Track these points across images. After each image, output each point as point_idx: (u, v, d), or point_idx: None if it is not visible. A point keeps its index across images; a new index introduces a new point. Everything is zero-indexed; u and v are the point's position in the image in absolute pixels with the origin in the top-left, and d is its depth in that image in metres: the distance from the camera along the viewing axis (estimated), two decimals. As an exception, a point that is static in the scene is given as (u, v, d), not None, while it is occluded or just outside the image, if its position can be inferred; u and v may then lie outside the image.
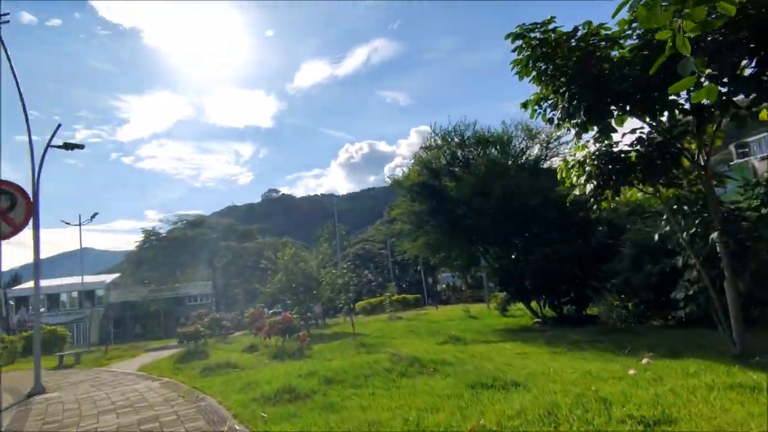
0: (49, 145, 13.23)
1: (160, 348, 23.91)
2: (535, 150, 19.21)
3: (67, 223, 32.44)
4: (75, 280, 42.90)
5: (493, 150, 19.31)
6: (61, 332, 31.20)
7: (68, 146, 13.41)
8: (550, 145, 18.80)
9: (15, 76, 12.37)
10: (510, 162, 19.21)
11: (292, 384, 7.62)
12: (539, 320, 18.63)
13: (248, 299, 76.84)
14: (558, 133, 18.64)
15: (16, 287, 60.70)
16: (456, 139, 19.66)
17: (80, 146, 13.63)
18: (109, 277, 57.71)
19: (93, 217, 32.43)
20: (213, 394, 8.40)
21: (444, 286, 76.76)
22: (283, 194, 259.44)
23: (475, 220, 19.61)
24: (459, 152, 19.79)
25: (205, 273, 49.72)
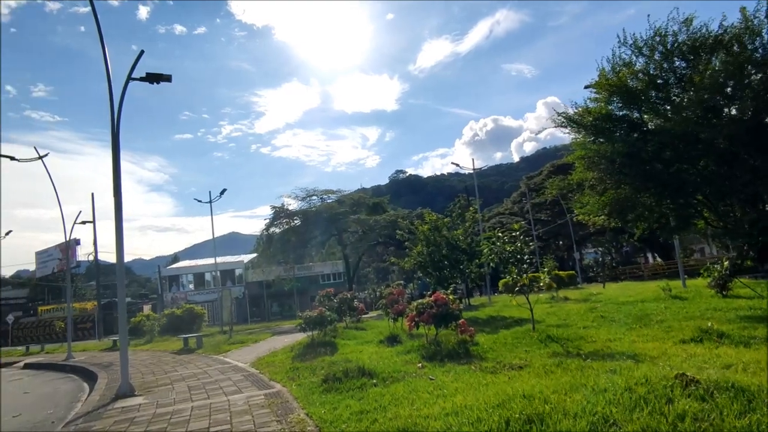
0: (129, 78, 10.40)
1: (290, 330, 21.36)
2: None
3: (198, 201, 31.93)
4: (220, 259, 43.43)
5: (722, 55, 13.09)
6: (198, 311, 30.76)
7: (152, 77, 10.45)
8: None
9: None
10: (754, 70, 12.83)
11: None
12: (802, 304, 12.36)
13: (380, 277, 75.42)
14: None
15: (170, 267, 65.00)
16: (661, 49, 13.72)
17: (166, 78, 10.62)
18: (247, 257, 59.01)
19: (222, 193, 31.60)
20: (337, 445, 4.42)
21: (591, 261, 69.21)
22: (409, 175, 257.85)
23: (693, 164, 13.69)
24: (663, 67, 13.85)
25: (336, 249, 47.86)
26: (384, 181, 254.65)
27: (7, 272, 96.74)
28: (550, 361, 7.66)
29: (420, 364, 8.17)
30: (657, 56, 14.03)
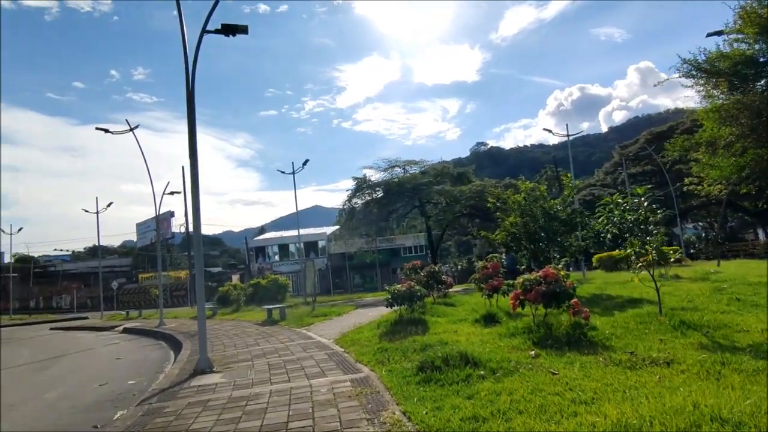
0: (204, 30, 9.67)
1: (373, 303, 20.66)
2: None
3: (282, 172, 32.09)
4: (303, 231, 43.91)
5: None
6: (282, 281, 31.04)
7: (227, 29, 9.65)
8: None
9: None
10: None
11: None
12: None
13: (461, 250, 73.71)
14: None
15: (256, 238, 67.27)
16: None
17: (242, 29, 9.78)
18: (330, 230, 59.62)
19: (305, 164, 31.45)
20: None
21: (693, 237, 63.67)
22: (491, 147, 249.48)
23: None
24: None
25: (418, 222, 46.76)
26: (465, 153, 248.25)
27: (115, 242, 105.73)
28: (704, 356, 6.04)
29: (533, 352, 6.83)
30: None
